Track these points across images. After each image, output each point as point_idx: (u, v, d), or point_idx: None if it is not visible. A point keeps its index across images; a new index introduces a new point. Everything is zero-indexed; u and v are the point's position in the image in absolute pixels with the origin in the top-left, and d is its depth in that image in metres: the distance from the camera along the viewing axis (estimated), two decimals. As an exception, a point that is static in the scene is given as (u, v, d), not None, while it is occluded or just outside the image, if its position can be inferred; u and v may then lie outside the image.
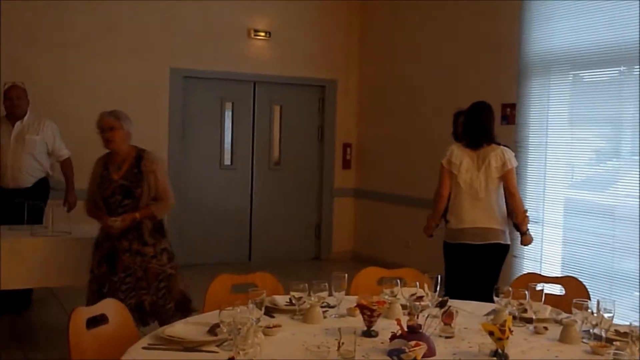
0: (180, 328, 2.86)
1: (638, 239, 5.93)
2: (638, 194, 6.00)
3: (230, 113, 9.16)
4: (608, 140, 6.46)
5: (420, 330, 2.64)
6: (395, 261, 7.34)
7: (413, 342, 2.34)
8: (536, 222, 6.83)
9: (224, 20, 8.83)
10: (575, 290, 3.69)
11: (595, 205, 6.44)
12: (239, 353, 2.40)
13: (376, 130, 9.41)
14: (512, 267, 7.01)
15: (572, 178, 6.75)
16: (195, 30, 8.69)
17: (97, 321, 2.96)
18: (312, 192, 9.66)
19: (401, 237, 8.72)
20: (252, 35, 8.98)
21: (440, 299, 3.03)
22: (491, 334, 2.59)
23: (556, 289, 3.89)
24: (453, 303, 3.24)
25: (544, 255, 6.82)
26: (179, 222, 8.79)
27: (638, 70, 6.09)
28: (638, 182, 6.03)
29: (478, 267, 5.09)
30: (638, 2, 5.88)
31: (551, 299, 3.43)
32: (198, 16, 8.69)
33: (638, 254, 5.91)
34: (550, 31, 6.72)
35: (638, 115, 5.97)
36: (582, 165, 6.69)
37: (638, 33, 5.86)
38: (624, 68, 6.14)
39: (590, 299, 3.50)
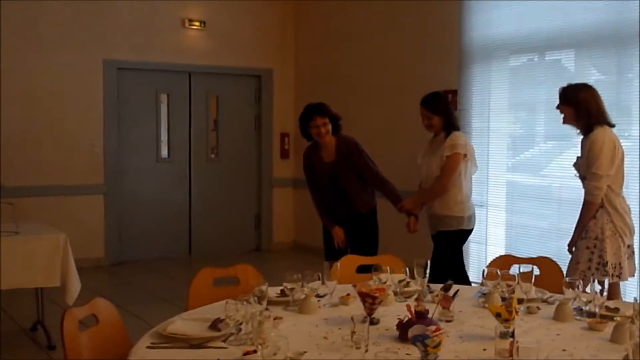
0: (180, 325, 2.78)
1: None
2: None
3: (165, 105, 8.98)
4: (545, 124, 6.64)
5: (428, 316, 2.67)
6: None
7: (433, 327, 2.35)
8: (481, 205, 6.98)
9: (157, 10, 8.64)
10: (549, 270, 3.78)
11: (536, 187, 6.62)
12: (258, 347, 2.35)
13: (313, 119, 9.38)
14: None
15: (513, 161, 6.91)
16: (128, 21, 8.47)
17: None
18: (250, 183, 9.59)
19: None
20: (187, 25, 8.83)
21: (444, 283, 3.06)
22: (498, 315, 2.63)
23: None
24: (437, 287, 3.30)
25: (488, 237, 6.97)
26: (117, 218, 8.61)
27: (573, 55, 6.34)
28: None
29: None
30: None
31: (527, 279, 3.50)
32: (131, 6, 8.47)
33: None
34: (490, 18, 6.84)
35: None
36: (522, 149, 6.87)
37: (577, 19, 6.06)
38: (565, 53, 6.34)
39: (564, 277, 3.61)
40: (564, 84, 5.92)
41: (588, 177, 4.35)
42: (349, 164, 5.37)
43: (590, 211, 4.35)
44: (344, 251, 5.16)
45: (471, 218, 5.19)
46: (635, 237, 5.27)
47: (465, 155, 5.04)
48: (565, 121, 4.55)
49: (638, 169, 5.56)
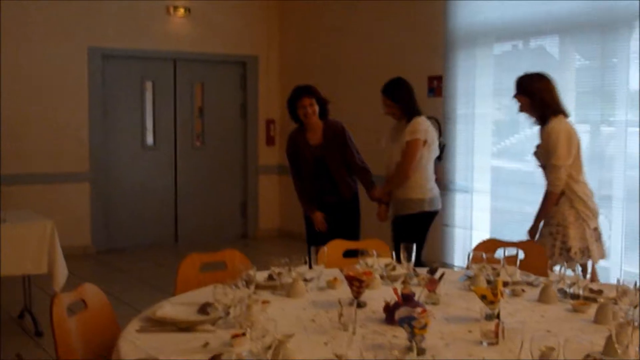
0: (169, 309, 2.80)
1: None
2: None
3: (151, 92, 8.97)
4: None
5: (415, 299, 2.70)
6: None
7: (419, 309, 2.38)
8: (466, 191, 7.04)
9: (142, -3, 8.62)
10: (534, 254, 3.82)
11: (520, 173, 6.67)
12: (247, 330, 2.38)
13: (299, 105, 9.39)
14: (443, 235, 7.21)
15: (498, 147, 6.96)
16: (113, 8, 8.44)
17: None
18: (236, 170, 9.60)
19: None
20: (172, 12, 8.80)
21: (429, 266, 3.10)
22: (483, 297, 2.67)
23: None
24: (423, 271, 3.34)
25: (473, 222, 7.02)
26: (103, 206, 8.60)
27: (557, 41, 6.38)
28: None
29: None
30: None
31: (512, 263, 3.54)
32: (116, -7, 8.45)
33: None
34: (475, 5, 6.86)
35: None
36: (507, 135, 6.91)
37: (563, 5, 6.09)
38: (549, 39, 6.38)
39: (548, 261, 3.67)
40: (550, 70, 6.02)
41: (548, 169, 4.44)
42: (335, 147, 5.41)
43: (551, 200, 4.43)
44: (326, 235, 5.11)
45: (433, 200, 5.18)
46: (617, 222, 5.37)
47: (425, 141, 5.03)
48: (521, 110, 4.63)
49: (623, 153, 5.63)
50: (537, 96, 4.47)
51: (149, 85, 8.94)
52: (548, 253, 4.38)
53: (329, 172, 5.43)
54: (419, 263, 4.85)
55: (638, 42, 5.50)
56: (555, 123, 4.40)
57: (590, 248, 4.42)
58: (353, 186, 5.54)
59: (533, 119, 4.59)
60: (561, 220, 4.42)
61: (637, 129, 5.52)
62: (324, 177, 5.45)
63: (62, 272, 5.25)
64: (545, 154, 4.46)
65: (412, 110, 5.12)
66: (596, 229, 4.52)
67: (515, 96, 4.61)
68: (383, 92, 5.18)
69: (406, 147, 5.01)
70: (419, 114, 5.13)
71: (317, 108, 5.38)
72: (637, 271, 5.41)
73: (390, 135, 5.28)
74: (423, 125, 5.05)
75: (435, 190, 5.21)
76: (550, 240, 4.45)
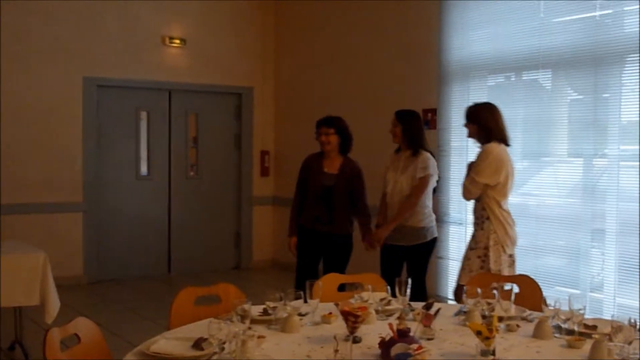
0: (164, 344, 2.79)
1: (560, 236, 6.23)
2: (556, 193, 6.32)
3: (145, 122, 8.97)
4: (522, 143, 6.71)
5: (410, 334, 2.69)
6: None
7: (415, 346, 2.38)
8: (460, 223, 7.05)
9: (138, 28, 8.65)
10: (529, 288, 3.82)
11: (513, 205, 6.65)
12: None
13: (294, 136, 9.43)
14: (437, 268, 7.20)
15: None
16: (109, 38, 8.48)
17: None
18: (230, 201, 9.58)
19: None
20: (167, 42, 8.84)
21: (425, 302, 3.09)
22: (479, 333, 2.66)
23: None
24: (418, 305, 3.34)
25: (467, 255, 7.00)
26: (96, 236, 8.56)
27: (550, 74, 6.43)
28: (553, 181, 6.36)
29: None
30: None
31: (506, 297, 3.54)
32: (112, 24, 8.49)
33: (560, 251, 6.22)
34: (469, 38, 6.94)
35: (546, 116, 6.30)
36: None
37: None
38: (542, 72, 6.44)
39: (542, 295, 3.67)
40: (543, 102, 6.10)
41: (468, 178, 4.75)
42: (347, 182, 5.61)
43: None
44: (312, 265, 5.67)
45: (436, 227, 5.54)
46: (610, 255, 5.38)
47: (431, 175, 5.34)
48: (469, 136, 4.93)
49: (616, 187, 5.66)
50: (482, 124, 4.76)
51: (143, 115, 8.96)
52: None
53: (332, 202, 5.58)
54: (424, 292, 5.02)
55: (630, 77, 5.57)
56: (493, 146, 4.70)
57: (502, 272, 4.59)
58: (348, 225, 5.71)
59: (479, 145, 4.84)
60: (487, 244, 4.68)
61: (630, 163, 5.57)
62: (325, 206, 5.62)
63: (54, 304, 5.21)
64: (473, 169, 4.75)
65: (421, 142, 5.41)
66: (511, 256, 4.77)
67: (465, 125, 4.90)
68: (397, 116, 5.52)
69: (419, 182, 5.29)
70: (426, 149, 5.42)
71: (334, 138, 5.65)
72: (631, 303, 5.43)
73: (392, 164, 5.50)
74: (433, 161, 5.38)
75: (435, 220, 5.57)
76: (478, 263, 4.72)
